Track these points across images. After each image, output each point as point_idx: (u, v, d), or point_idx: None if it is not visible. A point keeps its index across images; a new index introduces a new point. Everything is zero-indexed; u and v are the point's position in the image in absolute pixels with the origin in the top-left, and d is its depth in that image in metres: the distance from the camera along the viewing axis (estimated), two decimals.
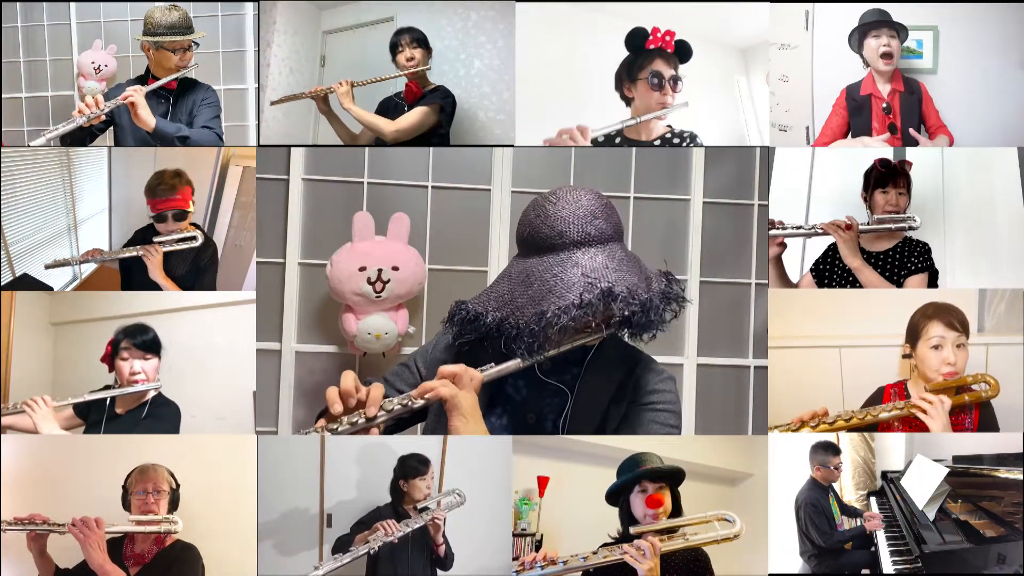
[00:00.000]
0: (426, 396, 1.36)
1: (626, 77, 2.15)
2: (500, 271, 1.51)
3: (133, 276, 2.26)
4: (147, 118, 2.10)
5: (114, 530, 1.80)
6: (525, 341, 1.34)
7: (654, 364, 1.52)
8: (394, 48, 2.33)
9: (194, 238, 2.23)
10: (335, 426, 1.32)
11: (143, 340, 2.03)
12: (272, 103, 2.36)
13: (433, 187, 2.58)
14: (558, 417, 1.47)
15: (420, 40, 2.33)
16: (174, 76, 2.20)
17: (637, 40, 2.12)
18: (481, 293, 1.46)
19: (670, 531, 1.58)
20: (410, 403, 1.36)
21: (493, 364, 1.40)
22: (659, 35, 2.11)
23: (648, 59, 2.11)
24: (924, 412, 1.82)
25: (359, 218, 2.40)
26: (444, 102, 2.32)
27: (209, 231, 2.55)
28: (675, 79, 2.12)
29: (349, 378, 1.34)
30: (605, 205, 1.41)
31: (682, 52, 2.13)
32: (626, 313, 1.34)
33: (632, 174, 2.62)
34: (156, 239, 2.21)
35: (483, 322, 1.39)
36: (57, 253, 2.53)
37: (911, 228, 2.14)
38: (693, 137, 2.15)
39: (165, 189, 2.21)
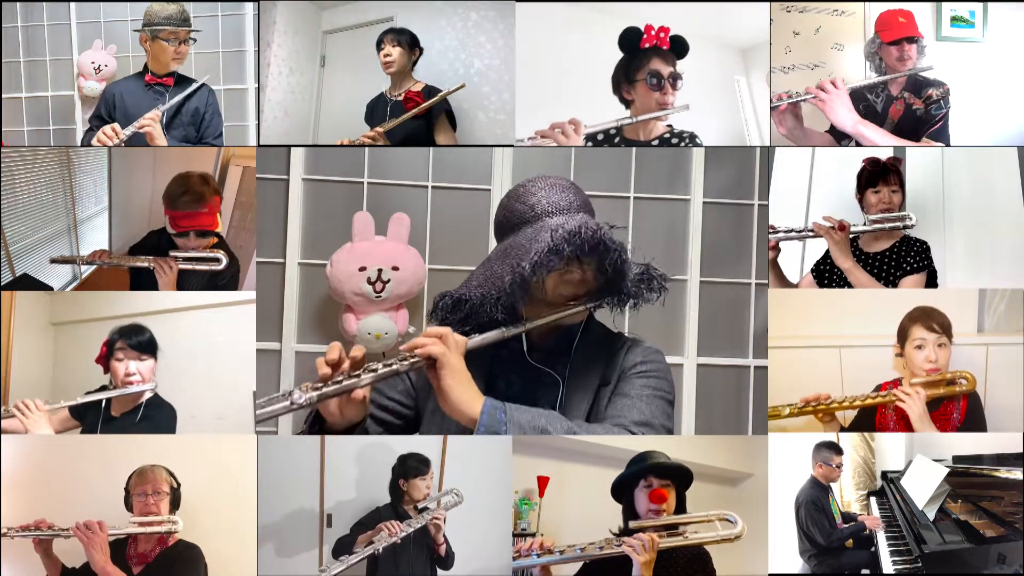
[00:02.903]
0: (415, 352, 1.33)
1: (623, 79, 2.10)
2: None
3: (143, 276, 2.19)
4: (163, 144, 2.14)
5: (117, 532, 1.81)
6: (505, 299, 1.36)
7: (641, 341, 1.53)
8: (378, 45, 2.33)
9: (218, 260, 2.10)
10: (320, 385, 1.30)
11: (139, 341, 2.00)
12: None
13: (433, 187, 2.58)
14: (552, 407, 1.46)
15: (404, 41, 2.31)
16: (195, 86, 2.23)
17: (631, 40, 2.07)
18: (463, 281, 1.48)
19: (670, 529, 1.59)
20: (396, 365, 1.34)
21: (477, 334, 1.39)
22: (653, 32, 2.05)
23: (644, 59, 2.06)
24: (903, 401, 1.99)
25: (359, 218, 2.40)
26: (446, 106, 2.31)
27: None
28: (675, 77, 2.07)
29: (335, 348, 1.33)
30: (572, 183, 1.49)
31: (678, 48, 2.08)
32: (603, 251, 1.37)
33: (632, 174, 2.62)
34: (173, 253, 2.12)
35: (466, 301, 1.41)
36: (57, 253, 2.52)
37: (906, 227, 2.14)
38: (693, 137, 2.12)
39: (191, 200, 2.10)
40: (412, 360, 1.34)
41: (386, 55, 2.31)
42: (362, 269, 2.35)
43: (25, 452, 2.01)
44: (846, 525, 2.19)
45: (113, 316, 2.19)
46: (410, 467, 1.97)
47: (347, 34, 2.69)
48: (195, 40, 2.24)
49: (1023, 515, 1.97)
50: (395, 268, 2.37)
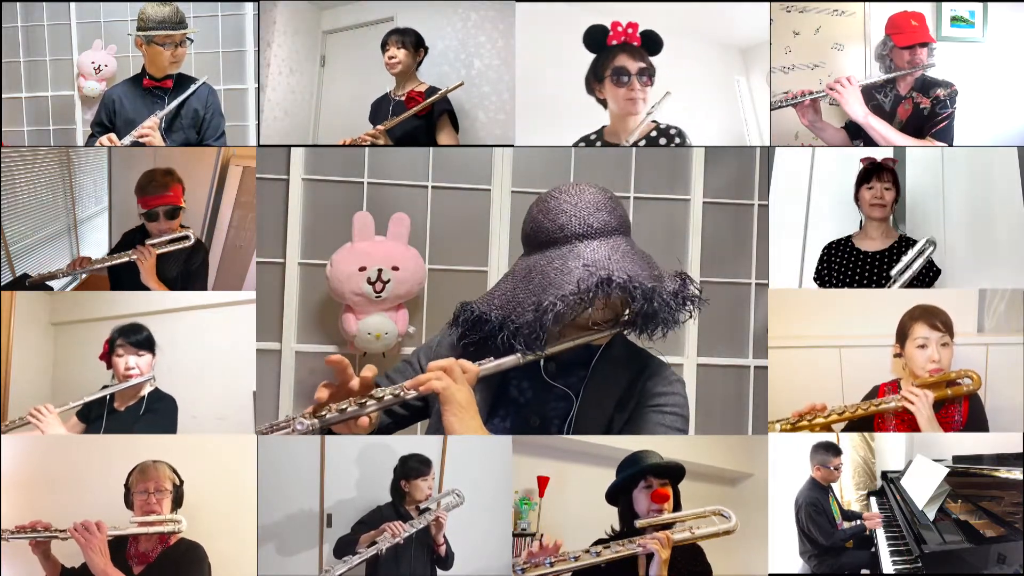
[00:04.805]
0: (419, 389, 1.33)
1: (593, 78, 2.07)
2: (500, 271, 1.50)
3: (122, 279, 2.24)
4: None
5: (117, 533, 1.79)
6: (524, 334, 1.32)
7: (663, 368, 1.49)
8: (383, 46, 2.33)
9: (186, 237, 2.20)
10: (323, 413, 1.30)
11: (137, 338, 2.08)
12: None
13: (433, 187, 2.58)
14: (562, 421, 1.44)
15: (408, 42, 2.31)
16: (194, 87, 2.22)
17: (596, 38, 2.03)
18: (485, 294, 1.45)
19: (668, 525, 1.59)
20: (402, 394, 1.33)
21: (492, 359, 1.38)
22: (620, 29, 2.01)
23: (611, 56, 2.02)
24: (912, 403, 1.94)
25: (359, 218, 2.40)
26: (447, 107, 2.31)
27: (209, 231, 2.54)
28: (644, 72, 2.02)
29: (344, 361, 1.32)
30: (609, 199, 1.40)
31: (650, 43, 2.03)
32: (629, 301, 1.32)
33: (632, 174, 2.62)
34: (148, 240, 2.19)
35: (486, 322, 1.38)
36: (57, 253, 2.53)
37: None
38: (680, 133, 2.08)
39: (157, 186, 2.19)
40: (419, 391, 1.34)
41: (391, 56, 2.31)
42: (362, 269, 2.35)
43: (25, 451, 2.01)
44: (847, 525, 2.19)
45: (113, 316, 2.20)
46: (411, 468, 1.96)
47: (347, 34, 2.69)
48: (192, 41, 2.23)
49: (1023, 515, 1.97)
50: (395, 268, 2.37)
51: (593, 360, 1.45)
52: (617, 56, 2.02)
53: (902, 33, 2.18)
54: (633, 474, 1.65)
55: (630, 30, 2.02)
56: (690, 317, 1.39)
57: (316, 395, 1.30)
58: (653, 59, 2.05)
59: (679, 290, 1.37)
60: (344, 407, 1.30)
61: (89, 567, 1.75)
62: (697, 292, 1.40)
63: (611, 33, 2.02)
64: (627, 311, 1.39)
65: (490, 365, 1.37)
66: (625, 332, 1.44)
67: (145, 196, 2.20)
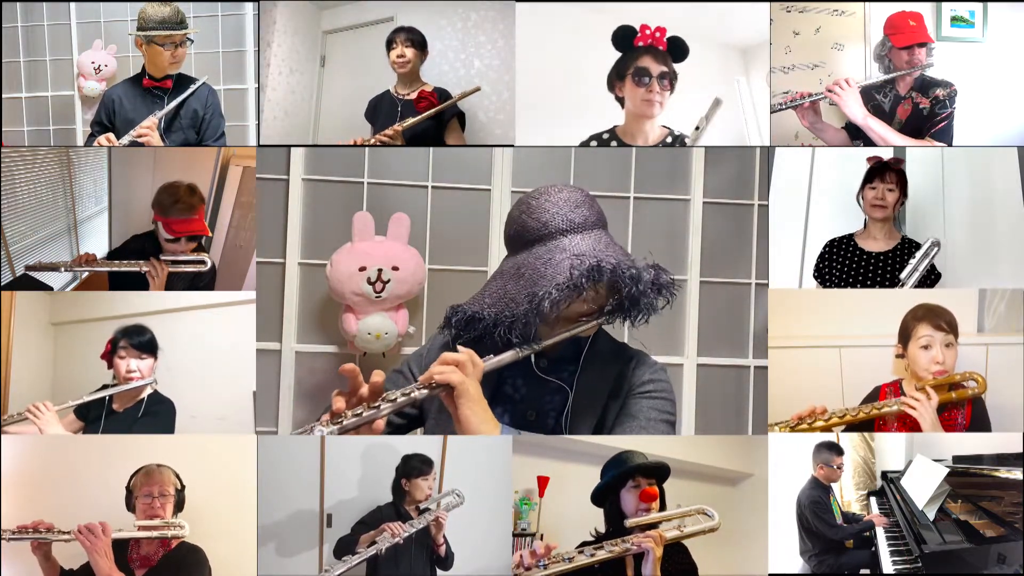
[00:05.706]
0: (435, 379, 1.36)
1: (615, 76, 2.09)
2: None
3: (122, 278, 2.23)
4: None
5: (120, 536, 1.79)
6: (520, 327, 1.38)
7: (646, 356, 1.56)
8: (389, 44, 2.33)
9: (203, 262, 2.19)
10: (340, 419, 1.33)
11: (140, 341, 2.07)
12: None
13: (433, 187, 2.58)
14: (559, 414, 1.48)
15: (416, 41, 2.32)
16: (194, 87, 2.21)
17: (624, 37, 2.06)
18: (475, 295, 1.49)
19: (655, 524, 1.61)
20: (414, 392, 1.36)
21: (492, 355, 1.42)
22: (648, 32, 2.04)
23: (636, 56, 2.05)
24: (913, 408, 1.90)
25: (359, 218, 2.40)
26: (456, 110, 2.31)
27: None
28: (666, 76, 2.05)
29: (356, 369, 1.36)
30: (587, 196, 1.48)
31: (676, 50, 2.06)
32: (620, 285, 1.38)
33: (632, 174, 2.62)
34: (164, 257, 2.18)
35: (480, 320, 1.42)
36: (57, 253, 2.53)
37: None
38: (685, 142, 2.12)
39: (183, 209, 2.17)
40: (431, 387, 1.36)
41: (399, 55, 2.31)
42: (362, 269, 2.35)
43: (26, 452, 2.01)
44: (846, 525, 2.19)
45: (113, 316, 2.20)
46: (413, 467, 1.97)
47: (347, 34, 2.69)
48: (192, 41, 2.23)
49: (1023, 515, 1.97)
50: (395, 268, 2.37)
51: (582, 354, 1.51)
52: (641, 57, 2.05)
53: (900, 33, 2.17)
54: (621, 474, 1.66)
55: (657, 34, 2.05)
56: (667, 304, 1.45)
57: (334, 406, 1.34)
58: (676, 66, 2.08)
59: (655, 279, 1.43)
60: (360, 412, 1.34)
61: (93, 569, 1.74)
62: (670, 280, 1.46)
63: (638, 34, 2.05)
64: (611, 300, 1.44)
65: (492, 361, 1.41)
66: (608, 324, 1.49)
67: (168, 218, 2.18)
